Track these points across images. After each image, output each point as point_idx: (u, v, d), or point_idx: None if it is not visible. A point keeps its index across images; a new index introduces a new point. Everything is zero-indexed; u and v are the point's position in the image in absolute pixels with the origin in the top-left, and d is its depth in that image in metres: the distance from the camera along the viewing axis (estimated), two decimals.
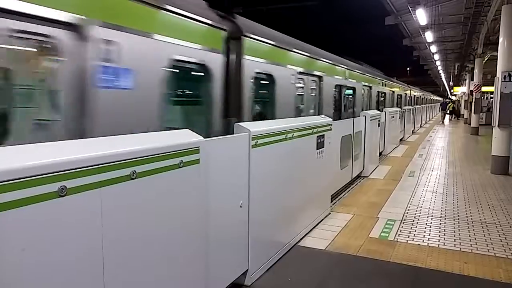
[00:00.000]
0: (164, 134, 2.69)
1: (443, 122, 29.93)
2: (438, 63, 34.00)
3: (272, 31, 5.76)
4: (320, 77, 7.35)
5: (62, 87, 2.61)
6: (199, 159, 2.68)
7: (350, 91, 9.99)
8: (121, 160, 2.05)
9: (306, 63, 6.68)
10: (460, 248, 4.44)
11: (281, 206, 4.13)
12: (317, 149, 5.02)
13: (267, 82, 5.45)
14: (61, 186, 1.74)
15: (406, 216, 5.64)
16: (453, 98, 49.78)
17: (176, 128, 2.98)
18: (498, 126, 8.95)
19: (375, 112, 9.61)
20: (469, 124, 21.44)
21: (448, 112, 33.50)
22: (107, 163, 1.97)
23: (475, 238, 4.75)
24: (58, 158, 1.76)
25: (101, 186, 1.94)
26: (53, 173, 1.71)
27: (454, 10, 16.75)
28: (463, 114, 30.78)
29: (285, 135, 4.08)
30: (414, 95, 25.82)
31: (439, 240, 4.69)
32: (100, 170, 1.93)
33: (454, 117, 35.57)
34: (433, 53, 26.49)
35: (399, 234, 4.87)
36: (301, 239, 4.61)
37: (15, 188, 1.57)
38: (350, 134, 7.54)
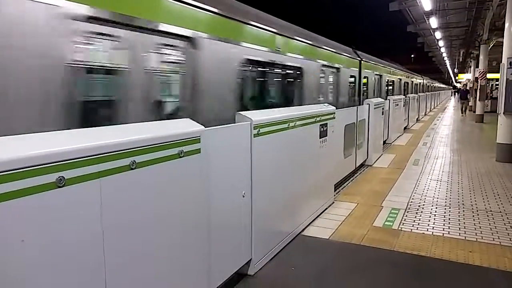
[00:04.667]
0: (164, 124, 2.65)
1: (464, 114, 23.62)
2: (442, 49, 33.60)
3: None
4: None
5: None
6: (200, 149, 2.64)
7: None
8: (120, 150, 2.02)
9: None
10: (465, 237, 4.41)
11: (284, 195, 4.10)
12: (320, 137, 4.97)
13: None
14: (59, 177, 1.71)
15: (410, 204, 5.60)
16: (458, 85, 49.16)
17: None
18: (504, 113, 8.84)
19: (379, 100, 9.52)
20: (474, 111, 21.23)
21: (469, 102, 25.22)
22: (106, 153, 1.93)
23: (480, 227, 4.72)
24: (56, 148, 1.73)
25: (100, 176, 1.90)
26: (50, 163, 1.68)
27: None
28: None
29: (288, 123, 4.04)
30: (419, 83, 25.58)
31: (443, 228, 4.66)
32: (99, 160, 1.90)
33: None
34: (437, 40, 26.15)
35: (403, 223, 4.84)
36: (304, 228, 4.59)
37: (12, 179, 1.54)
38: (354, 122, 7.47)
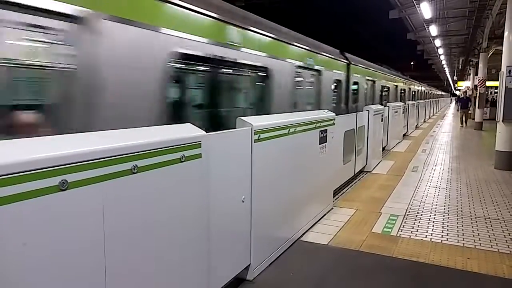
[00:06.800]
0: (165, 128, 2.67)
1: (463, 125, 20.73)
2: (442, 57, 33.78)
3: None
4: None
5: None
6: (201, 154, 2.66)
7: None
8: (122, 154, 2.04)
9: None
10: (463, 244, 4.42)
11: (283, 201, 4.11)
12: (320, 143, 5.00)
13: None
14: (62, 180, 1.73)
15: (409, 211, 5.61)
16: (457, 92, 49.14)
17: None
18: (503, 121, 8.88)
19: (379, 106, 9.56)
20: (473, 119, 21.22)
21: (470, 111, 22.26)
22: (108, 157, 1.95)
23: (478, 234, 4.73)
24: (59, 152, 1.75)
25: (102, 180, 1.92)
26: (54, 167, 1.70)
27: (459, 4, 16.59)
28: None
29: (288, 129, 4.06)
30: (421, 90, 25.66)
31: (442, 235, 4.67)
32: (101, 164, 1.92)
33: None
34: (437, 47, 26.31)
35: (401, 230, 4.85)
36: (303, 234, 4.60)
37: (15, 182, 1.56)
38: (353, 128, 7.50)
